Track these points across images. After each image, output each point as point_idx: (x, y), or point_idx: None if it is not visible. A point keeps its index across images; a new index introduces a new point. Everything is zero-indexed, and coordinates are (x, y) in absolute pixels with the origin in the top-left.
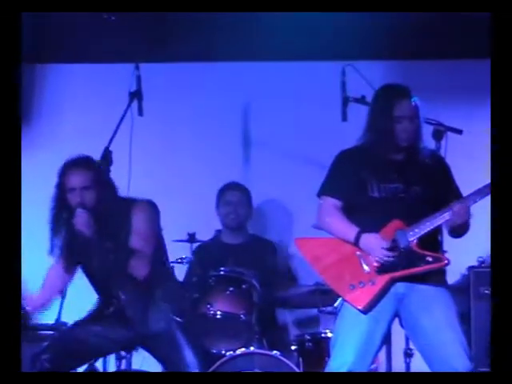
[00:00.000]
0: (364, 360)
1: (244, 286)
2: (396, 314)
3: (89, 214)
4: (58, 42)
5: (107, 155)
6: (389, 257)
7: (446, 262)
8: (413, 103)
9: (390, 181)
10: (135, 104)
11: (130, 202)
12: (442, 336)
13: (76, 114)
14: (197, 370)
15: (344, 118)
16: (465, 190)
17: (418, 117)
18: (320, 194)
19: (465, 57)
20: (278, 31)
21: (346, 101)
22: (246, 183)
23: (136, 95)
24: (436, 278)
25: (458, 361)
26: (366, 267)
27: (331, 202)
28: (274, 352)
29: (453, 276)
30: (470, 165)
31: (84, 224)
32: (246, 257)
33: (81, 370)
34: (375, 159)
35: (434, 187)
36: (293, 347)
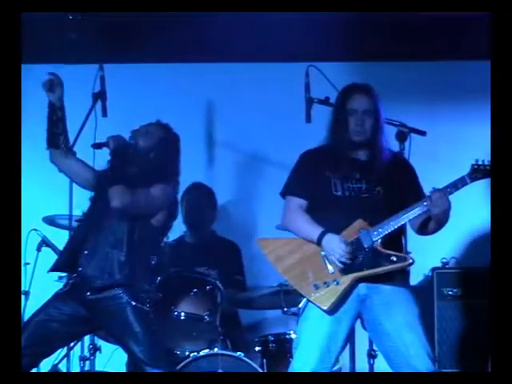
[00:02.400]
0: (327, 361)
1: (208, 287)
2: (358, 315)
3: None
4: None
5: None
6: (350, 257)
7: (410, 261)
8: (368, 99)
9: (353, 180)
10: (99, 105)
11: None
12: (402, 338)
13: (39, 114)
14: (146, 361)
15: (308, 119)
16: (427, 192)
17: (376, 114)
18: (284, 193)
19: (462, 58)
20: (243, 32)
21: (310, 102)
22: (211, 183)
23: (100, 96)
24: (399, 278)
25: (419, 362)
26: (330, 267)
27: (296, 202)
28: (238, 353)
29: (416, 277)
30: (434, 166)
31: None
32: (210, 258)
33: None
34: (338, 158)
35: (397, 188)
36: (257, 348)
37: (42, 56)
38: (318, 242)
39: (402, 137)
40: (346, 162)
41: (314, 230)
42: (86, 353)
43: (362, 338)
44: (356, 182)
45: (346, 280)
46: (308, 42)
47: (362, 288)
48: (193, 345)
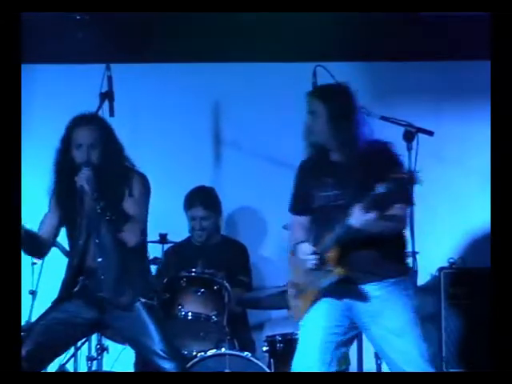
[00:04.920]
0: (325, 362)
1: (215, 288)
2: (352, 322)
3: (92, 172)
4: (27, 43)
5: None
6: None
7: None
8: (324, 102)
9: (326, 189)
10: (106, 104)
11: (130, 169)
12: (391, 344)
13: (46, 115)
14: (163, 355)
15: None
16: (434, 192)
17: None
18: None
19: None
20: (251, 32)
21: None
22: (217, 184)
23: (107, 96)
24: (393, 269)
25: (411, 367)
26: (304, 275)
27: (294, 219)
28: (245, 353)
29: (423, 277)
30: (441, 166)
31: (86, 181)
32: (218, 258)
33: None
34: (315, 168)
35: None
36: (264, 348)
37: (49, 56)
38: (294, 253)
39: (409, 137)
40: (322, 170)
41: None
42: (94, 353)
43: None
44: (329, 190)
45: (314, 288)
46: (314, 42)
47: (346, 296)
48: (200, 345)
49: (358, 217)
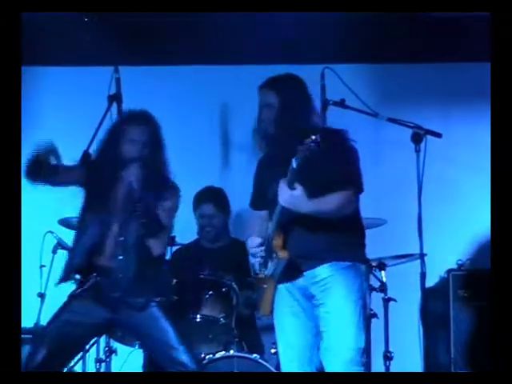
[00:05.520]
0: (303, 359)
1: (223, 290)
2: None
3: (140, 170)
4: (35, 45)
5: (87, 158)
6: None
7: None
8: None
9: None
10: (115, 107)
11: (170, 180)
12: (329, 324)
13: (55, 117)
14: (180, 348)
15: (323, 121)
16: (442, 194)
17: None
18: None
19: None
20: (258, 34)
21: (325, 104)
22: (225, 186)
23: (115, 98)
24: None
25: (343, 352)
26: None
27: (253, 215)
28: (254, 355)
29: (432, 279)
30: (449, 168)
31: (135, 177)
32: (226, 260)
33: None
34: (270, 161)
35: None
36: (272, 350)
37: (58, 58)
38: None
39: (417, 139)
40: (273, 162)
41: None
42: (102, 355)
43: (378, 340)
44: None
45: (271, 281)
46: (323, 44)
47: (299, 281)
48: (208, 347)
49: (284, 193)
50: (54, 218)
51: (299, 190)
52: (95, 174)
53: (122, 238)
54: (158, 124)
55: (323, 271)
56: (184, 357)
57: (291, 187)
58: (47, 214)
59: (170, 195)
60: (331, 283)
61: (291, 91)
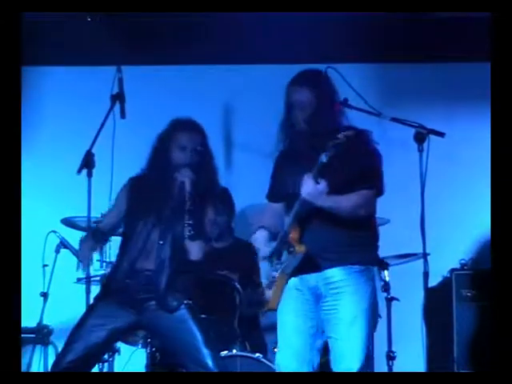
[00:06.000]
0: (301, 359)
1: (227, 289)
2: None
3: (193, 173)
4: (36, 45)
5: (89, 158)
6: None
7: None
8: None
9: (301, 176)
10: (117, 107)
11: (218, 187)
12: (339, 330)
13: (57, 116)
14: (206, 351)
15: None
16: (445, 194)
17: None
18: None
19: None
20: (260, 34)
21: None
22: (229, 185)
23: (118, 98)
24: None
25: (353, 358)
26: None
27: (268, 207)
28: (257, 355)
29: (435, 278)
30: (452, 167)
31: (189, 178)
32: (229, 260)
33: None
34: (293, 155)
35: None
36: (275, 350)
37: (61, 58)
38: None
39: (420, 138)
40: (296, 157)
41: None
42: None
43: (380, 340)
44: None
45: (282, 278)
46: (325, 44)
47: (311, 280)
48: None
49: (308, 186)
50: (57, 218)
51: (323, 185)
52: (143, 179)
53: (161, 242)
54: (205, 132)
55: (337, 273)
56: (208, 360)
57: (316, 181)
58: (50, 213)
59: (218, 204)
60: (343, 288)
61: (322, 87)
